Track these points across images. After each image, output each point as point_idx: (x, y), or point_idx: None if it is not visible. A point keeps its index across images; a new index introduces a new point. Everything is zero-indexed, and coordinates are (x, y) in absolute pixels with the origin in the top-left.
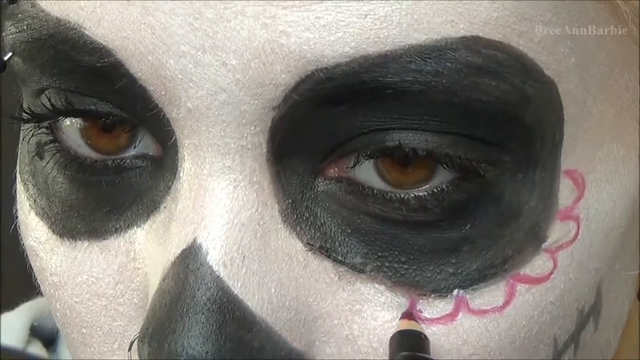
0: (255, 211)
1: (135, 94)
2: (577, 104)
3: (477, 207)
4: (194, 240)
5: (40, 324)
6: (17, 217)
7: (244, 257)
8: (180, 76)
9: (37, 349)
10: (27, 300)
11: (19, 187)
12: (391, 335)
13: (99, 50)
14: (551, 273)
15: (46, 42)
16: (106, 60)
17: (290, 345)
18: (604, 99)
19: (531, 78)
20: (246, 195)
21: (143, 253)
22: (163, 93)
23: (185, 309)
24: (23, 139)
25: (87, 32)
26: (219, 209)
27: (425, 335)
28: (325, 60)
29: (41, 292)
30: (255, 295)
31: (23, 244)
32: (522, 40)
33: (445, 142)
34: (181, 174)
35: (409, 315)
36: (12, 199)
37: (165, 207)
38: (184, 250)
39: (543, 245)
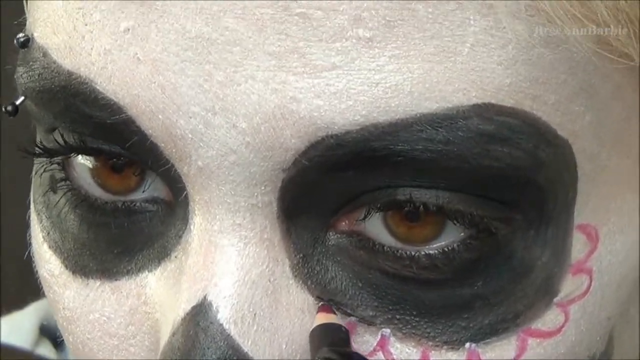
0: (266, 268)
1: (146, 149)
2: (592, 160)
3: (488, 265)
4: (205, 297)
5: (50, 323)
6: (30, 243)
7: (254, 314)
8: (190, 136)
9: (46, 348)
10: (26, 301)
11: (33, 216)
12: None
13: (110, 107)
14: (562, 326)
15: (58, 94)
16: (117, 117)
17: None
18: (619, 151)
19: (544, 142)
20: (257, 253)
21: (154, 298)
22: (174, 151)
23: None
24: (36, 172)
25: (98, 88)
26: (229, 266)
27: (345, 328)
28: (336, 127)
29: (43, 293)
30: (266, 353)
31: (23, 243)
32: (536, 104)
33: (457, 199)
34: (192, 227)
35: (326, 308)
36: (13, 199)
37: (176, 257)
38: (194, 307)
39: (555, 300)
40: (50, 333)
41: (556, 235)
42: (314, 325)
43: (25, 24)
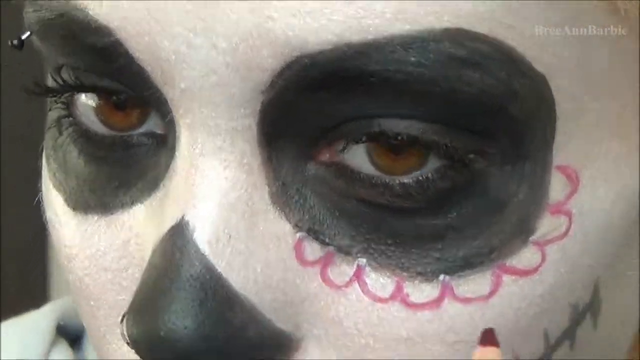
0: (244, 192)
1: (134, 73)
2: (573, 100)
3: (462, 197)
4: (183, 217)
5: (67, 323)
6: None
7: (229, 236)
8: (174, 57)
9: (62, 348)
10: (26, 301)
11: (43, 161)
12: None
13: (102, 30)
14: (539, 266)
15: (56, 21)
16: (107, 39)
17: (275, 325)
18: (604, 95)
19: (518, 73)
20: (236, 176)
21: (143, 229)
22: (159, 73)
23: (168, 284)
24: (49, 116)
25: (91, 13)
26: (208, 189)
27: None
28: (309, 46)
29: (43, 294)
30: (240, 275)
31: (23, 244)
32: (511, 34)
33: (431, 130)
34: (176, 153)
35: (493, 342)
36: (12, 199)
37: (163, 185)
38: (172, 227)
39: (531, 238)
40: (67, 333)
41: (534, 172)
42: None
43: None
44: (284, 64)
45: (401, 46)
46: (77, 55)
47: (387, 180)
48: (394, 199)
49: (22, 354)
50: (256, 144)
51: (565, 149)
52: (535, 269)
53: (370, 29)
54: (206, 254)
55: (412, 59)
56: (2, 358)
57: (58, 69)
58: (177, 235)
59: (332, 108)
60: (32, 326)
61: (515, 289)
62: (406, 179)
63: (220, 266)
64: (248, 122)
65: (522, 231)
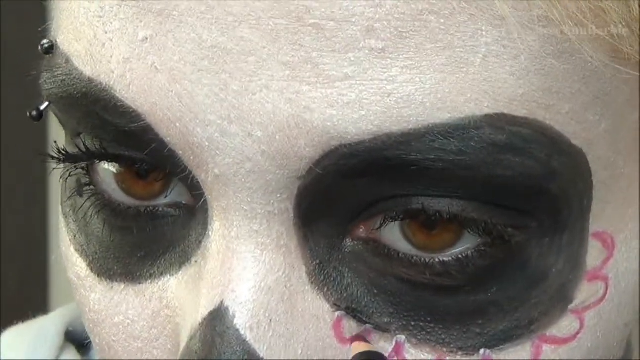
0: (282, 274)
1: (165, 156)
2: (607, 168)
3: (502, 272)
4: (222, 302)
5: (75, 329)
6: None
7: (270, 320)
8: (207, 144)
9: (71, 354)
10: (26, 301)
11: (61, 218)
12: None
13: (129, 114)
14: (578, 333)
15: (79, 100)
16: (136, 124)
17: None
18: (635, 158)
19: (557, 151)
20: (273, 259)
21: (175, 303)
22: (192, 158)
23: None
24: (62, 176)
25: (117, 95)
26: (246, 273)
27: (384, 357)
28: (349, 137)
29: (42, 293)
30: (282, 358)
31: (23, 244)
32: (549, 113)
33: (471, 207)
34: (210, 233)
35: (359, 338)
36: (13, 200)
37: (196, 262)
38: (211, 312)
39: (570, 307)
40: (75, 339)
41: (571, 242)
42: (353, 354)
43: (47, 30)
44: (322, 153)
45: (442, 135)
46: (99, 130)
47: (426, 260)
48: (434, 278)
49: (32, 358)
50: (292, 226)
51: (601, 216)
52: (574, 336)
53: (411, 118)
54: (247, 339)
55: (453, 147)
56: None
57: (78, 134)
58: (217, 321)
59: (370, 191)
60: (41, 331)
61: (555, 358)
62: (446, 258)
63: (262, 351)
64: (284, 206)
65: (561, 301)
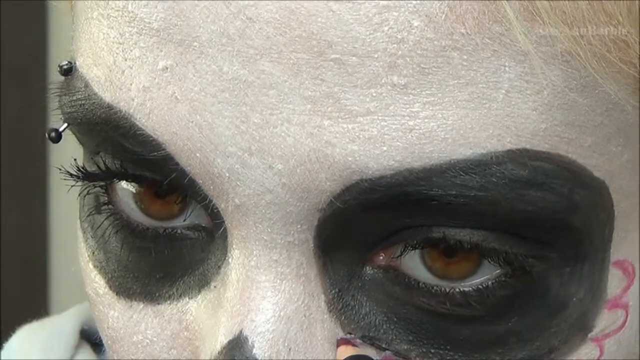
0: (301, 303)
1: (185, 184)
2: (629, 197)
3: (523, 302)
4: (241, 331)
5: (91, 327)
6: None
7: (289, 349)
8: (227, 174)
9: (86, 352)
10: (27, 301)
11: (79, 233)
12: None
13: (149, 143)
14: None
15: (98, 126)
16: (156, 153)
17: None
18: None
19: (580, 185)
20: (293, 288)
21: (194, 325)
22: (212, 187)
23: None
24: (80, 193)
25: (137, 123)
26: (265, 302)
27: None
28: (370, 172)
29: (42, 293)
30: None
31: (23, 244)
32: (571, 147)
33: (491, 237)
34: (230, 260)
35: (345, 342)
36: (13, 200)
37: (215, 287)
38: (230, 342)
39: (590, 335)
40: (90, 337)
41: (592, 272)
42: (340, 358)
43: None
44: (343, 187)
45: (463, 171)
46: (121, 153)
47: (446, 290)
48: (454, 308)
49: (47, 356)
50: (312, 255)
51: (623, 244)
52: None
53: (432, 154)
54: None
55: (475, 182)
56: None
57: (96, 153)
58: (236, 350)
59: (390, 222)
60: (57, 329)
61: None
62: (466, 288)
63: None
64: (304, 236)
65: (581, 329)
